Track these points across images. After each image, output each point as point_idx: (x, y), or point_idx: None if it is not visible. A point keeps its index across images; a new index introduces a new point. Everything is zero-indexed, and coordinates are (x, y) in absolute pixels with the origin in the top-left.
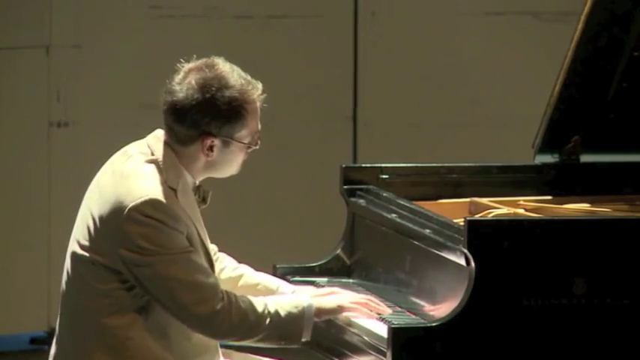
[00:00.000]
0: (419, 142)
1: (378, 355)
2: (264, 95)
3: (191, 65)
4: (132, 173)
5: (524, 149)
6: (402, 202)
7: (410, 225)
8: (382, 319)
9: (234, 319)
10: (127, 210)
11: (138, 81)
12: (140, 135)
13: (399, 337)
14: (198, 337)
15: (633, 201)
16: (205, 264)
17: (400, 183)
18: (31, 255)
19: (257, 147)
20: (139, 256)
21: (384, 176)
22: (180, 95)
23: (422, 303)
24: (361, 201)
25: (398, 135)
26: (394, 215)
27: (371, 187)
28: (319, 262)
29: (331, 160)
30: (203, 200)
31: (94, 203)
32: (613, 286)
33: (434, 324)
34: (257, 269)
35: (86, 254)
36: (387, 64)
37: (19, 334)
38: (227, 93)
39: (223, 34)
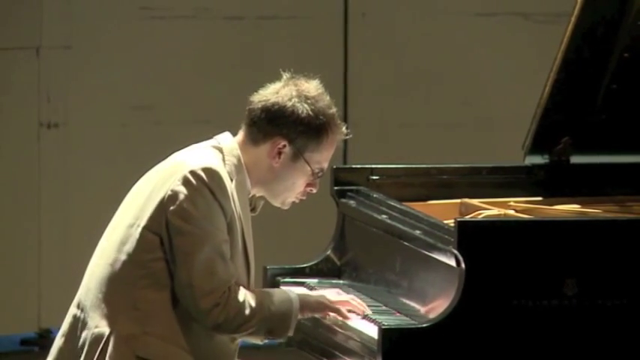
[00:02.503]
0: (409, 143)
1: (368, 356)
2: (346, 138)
3: (294, 79)
4: (195, 151)
5: (514, 150)
6: (392, 203)
7: (400, 226)
8: (373, 320)
9: (231, 313)
10: (185, 172)
11: (128, 82)
12: (130, 136)
13: (390, 338)
14: (220, 340)
15: (623, 202)
16: (235, 258)
17: (390, 184)
18: (22, 256)
19: (314, 188)
20: (179, 220)
21: (375, 177)
22: (274, 91)
23: (412, 304)
24: (351, 202)
25: (388, 136)
26: (384, 216)
27: (361, 188)
28: (309, 263)
29: None
30: (253, 209)
31: (147, 184)
32: (603, 286)
33: (424, 325)
34: None
35: (134, 222)
36: (377, 65)
37: (10, 335)
38: (318, 106)
39: (214, 36)
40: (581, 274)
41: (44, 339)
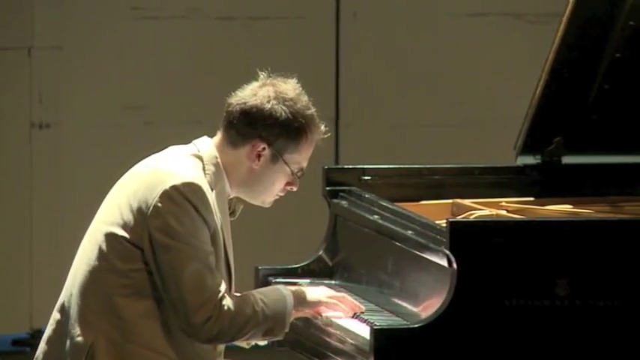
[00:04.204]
0: (401, 144)
1: (360, 356)
2: (325, 137)
3: (272, 79)
4: (176, 161)
5: (506, 150)
6: (384, 204)
7: (392, 226)
8: (365, 320)
9: (225, 324)
10: (167, 187)
11: (120, 82)
12: (122, 136)
13: (382, 338)
14: (204, 346)
15: (615, 202)
16: (218, 268)
17: (382, 184)
18: (13, 256)
19: (295, 187)
20: (164, 236)
21: (367, 178)
22: (252, 93)
23: (404, 304)
24: (343, 202)
25: (380, 136)
26: (376, 216)
27: (353, 188)
28: (301, 264)
29: (313, 162)
30: (232, 213)
31: (128, 188)
32: (595, 287)
33: (416, 325)
34: (239, 270)
35: (113, 230)
36: (369, 66)
37: (1, 336)
38: (296, 108)
39: (205, 36)
40: (573, 274)
41: (36, 339)
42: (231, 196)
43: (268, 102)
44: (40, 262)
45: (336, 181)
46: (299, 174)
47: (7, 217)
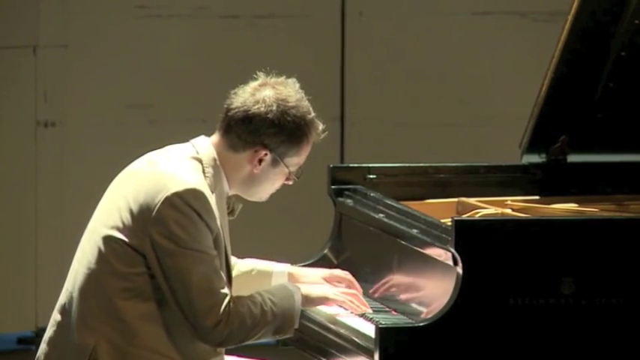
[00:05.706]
0: (406, 143)
1: (365, 354)
2: (323, 135)
3: (268, 80)
4: (176, 165)
5: (511, 149)
6: (389, 202)
7: (397, 225)
8: (370, 319)
9: (234, 326)
10: (168, 194)
11: (125, 81)
12: (127, 134)
13: (387, 336)
14: (205, 346)
15: (620, 201)
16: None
17: (388, 183)
18: (18, 255)
19: (290, 182)
20: (168, 242)
21: (372, 176)
22: (252, 99)
23: (409, 303)
24: (349, 201)
25: (385, 135)
26: (382, 215)
27: (358, 187)
28: (307, 262)
29: (319, 161)
30: (231, 212)
31: (127, 188)
32: (600, 285)
33: (421, 324)
34: None
35: (113, 234)
36: (374, 64)
37: (7, 334)
38: (298, 113)
39: (210, 34)
40: (579, 273)
41: (41, 338)
42: (230, 194)
43: (271, 111)
44: (45, 261)
45: (341, 180)
46: (298, 173)
47: (12, 215)
